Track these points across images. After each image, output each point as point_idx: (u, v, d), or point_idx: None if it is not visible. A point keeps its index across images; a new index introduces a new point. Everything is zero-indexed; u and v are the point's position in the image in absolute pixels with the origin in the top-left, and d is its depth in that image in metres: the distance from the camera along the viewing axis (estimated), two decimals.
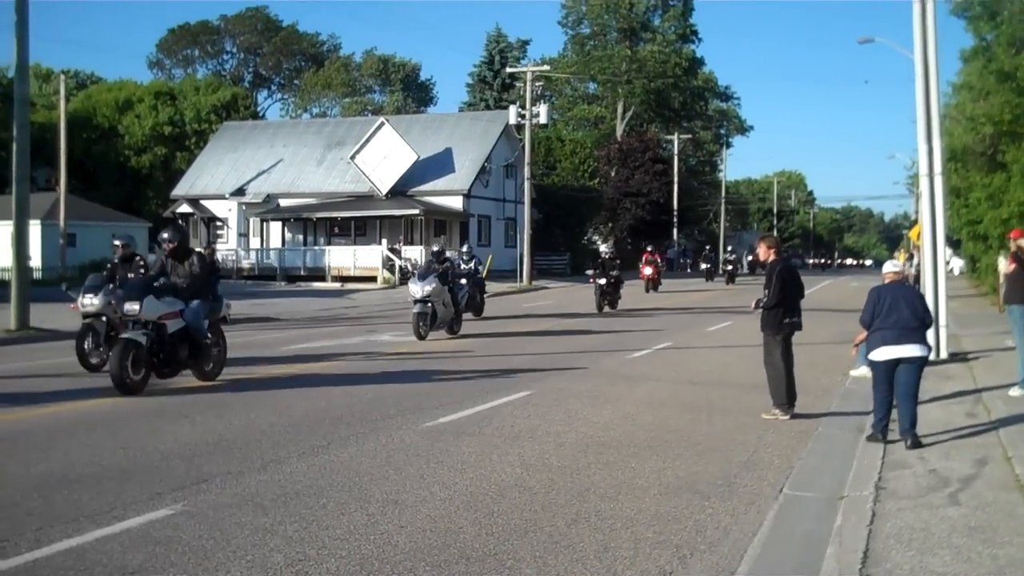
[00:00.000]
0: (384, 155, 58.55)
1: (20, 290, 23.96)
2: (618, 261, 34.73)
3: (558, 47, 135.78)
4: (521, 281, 53.69)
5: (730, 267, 59.95)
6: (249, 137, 67.70)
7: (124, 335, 13.95)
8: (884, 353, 10.59)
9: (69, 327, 25.43)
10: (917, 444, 10.32)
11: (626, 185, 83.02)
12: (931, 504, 8.05)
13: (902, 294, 10.93)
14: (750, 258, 74.45)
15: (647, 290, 45.50)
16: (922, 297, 11.80)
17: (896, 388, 10.64)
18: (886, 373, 10.61)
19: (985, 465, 9.38)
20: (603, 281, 32.77)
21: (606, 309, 32.63)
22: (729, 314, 30.64)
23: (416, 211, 57.54)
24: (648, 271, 47.02)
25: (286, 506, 8.10)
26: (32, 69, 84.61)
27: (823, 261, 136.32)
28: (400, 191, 58.82)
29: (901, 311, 10.63)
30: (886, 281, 11.25)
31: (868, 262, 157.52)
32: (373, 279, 53.58)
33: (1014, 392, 13.64)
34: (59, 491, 8.48)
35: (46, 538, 7.13)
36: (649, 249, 49.17)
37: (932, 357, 17.26)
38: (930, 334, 17.34)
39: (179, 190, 65.14)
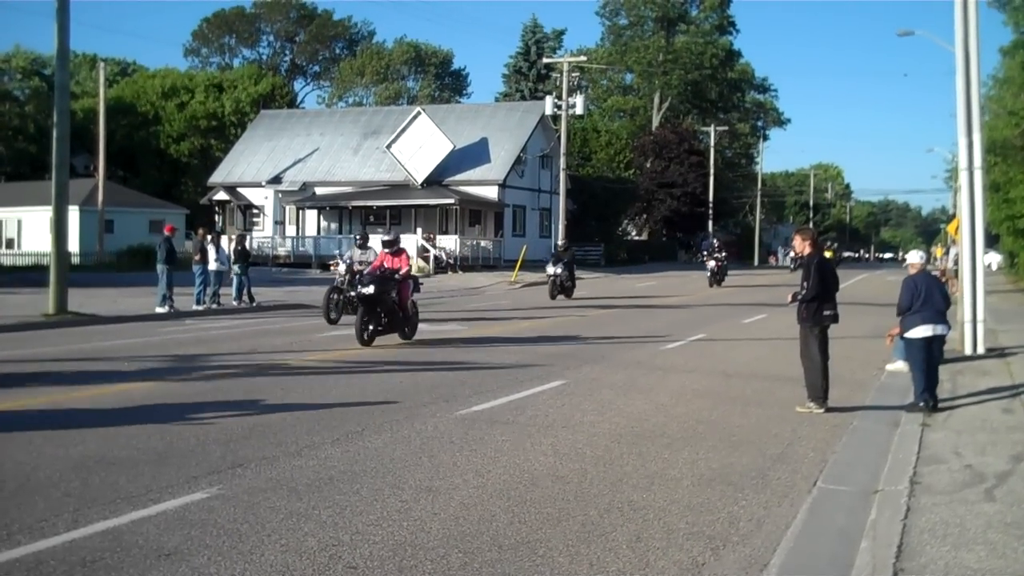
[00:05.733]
0: (420, 144, 58.61)
1: (59, 275, 24.19)
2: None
3: (594, 37, 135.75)
4: None
5: (712, 262, 43.81)
6: (286, 126, 67.99)
7: None
8: (923, 331, 12.30)
9: (107, 312, 25.74)
10: (936, 407, 12.10)
11: (661, 176, 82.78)
12: (966, 500, 7.99)
13: (933, 283, 12.80)
14: (791, 254, 67.41)
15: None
16: (943, 284, 13.42)
17: None
18: (923, 349, 12.27)
19: (1021, 461, 9.30)
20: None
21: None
22: (765, 307, 30.48)
23: (451, 201, 57.58)
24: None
25: (320, 491, 8.16)
26: (78, 56, 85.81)
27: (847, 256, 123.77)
28: (435, 180, 58.88)
29: (934, 297, 12.48)
30: (912, 272, 13.02)
31: (887, 255, 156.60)
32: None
33: None
34: (96, 473, 8.57)
35: (83, 519, 7.21)
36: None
37: (969, 352, 17.62)
38: (967, 329, 17.90)
39: (216, 177, 65.52)
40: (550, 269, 33.86)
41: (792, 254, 62.74)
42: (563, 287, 33.86)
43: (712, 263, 43.46)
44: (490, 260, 58.42)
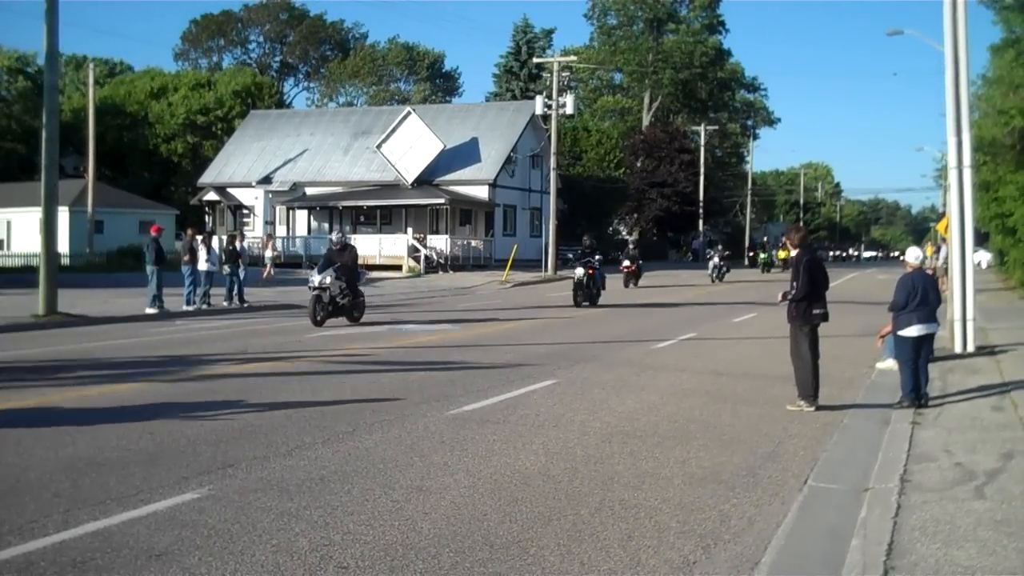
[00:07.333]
0: (410, 144, 58.58)
1: (48, 276, 24.12)
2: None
3: (584, 36, 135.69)
4: (546, 271, 53.68)
5: (580, 270, 31.43)
6: (276, 126, 67.89)
7: None
8: (917, 330, 12.56)
9: (97, 312, 25.68)
10: (925, 404, 12.38)
11: (652, 176, 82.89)
12: (956, 497, 8.00)
13: (928, 282, 12.98)
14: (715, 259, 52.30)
15: None
16: (935, 283, 13.57)
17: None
18: (914, 347, 12.50)
19: (1011, 459, 9.32)
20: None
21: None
22: (754, 306, 30.51)
23: (442, 200, 57.57)
24: None
25: (311, 491, 8.14)
26: (66, 57, 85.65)
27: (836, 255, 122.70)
28: (426, 180, 58.85)
29: (929, 296, 12.71)
30: (908, 269, 13.12)
31: (868, 254, 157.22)
32: (398, 268, 53.68)
33: None
34: (87, 474, 8.55)
35: (73, 520, 7.19)
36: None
37: (959, 350, 17.68)
38: (958, 328, 18.00)
39: (206, 178, 65.42)
40: (314, 279, 23.38)
41: (716, 260, 53.58)
42: (335, 305, 23.34)
43: (580, 271, 30.94)
44: (480, 260, 58.45)
